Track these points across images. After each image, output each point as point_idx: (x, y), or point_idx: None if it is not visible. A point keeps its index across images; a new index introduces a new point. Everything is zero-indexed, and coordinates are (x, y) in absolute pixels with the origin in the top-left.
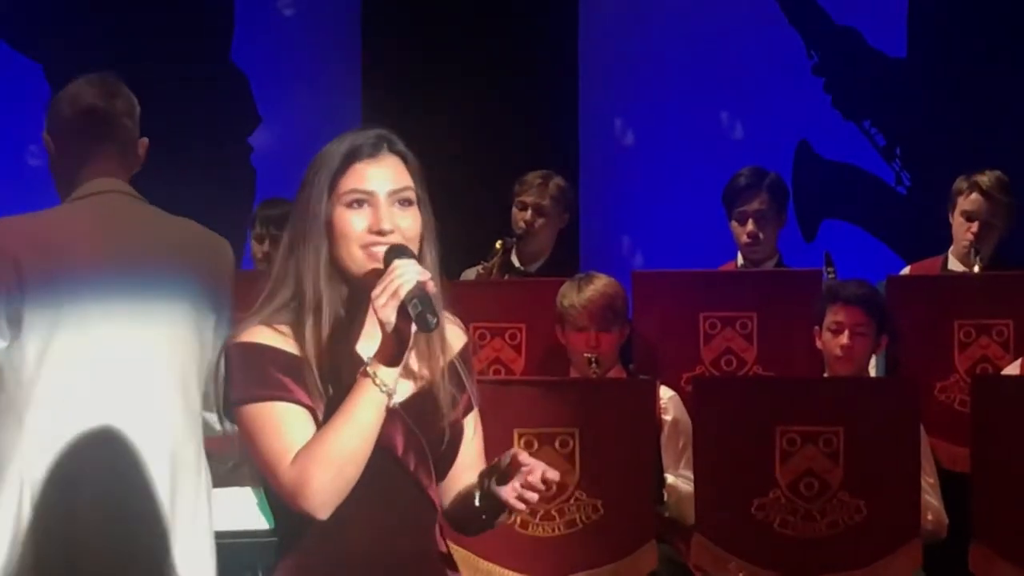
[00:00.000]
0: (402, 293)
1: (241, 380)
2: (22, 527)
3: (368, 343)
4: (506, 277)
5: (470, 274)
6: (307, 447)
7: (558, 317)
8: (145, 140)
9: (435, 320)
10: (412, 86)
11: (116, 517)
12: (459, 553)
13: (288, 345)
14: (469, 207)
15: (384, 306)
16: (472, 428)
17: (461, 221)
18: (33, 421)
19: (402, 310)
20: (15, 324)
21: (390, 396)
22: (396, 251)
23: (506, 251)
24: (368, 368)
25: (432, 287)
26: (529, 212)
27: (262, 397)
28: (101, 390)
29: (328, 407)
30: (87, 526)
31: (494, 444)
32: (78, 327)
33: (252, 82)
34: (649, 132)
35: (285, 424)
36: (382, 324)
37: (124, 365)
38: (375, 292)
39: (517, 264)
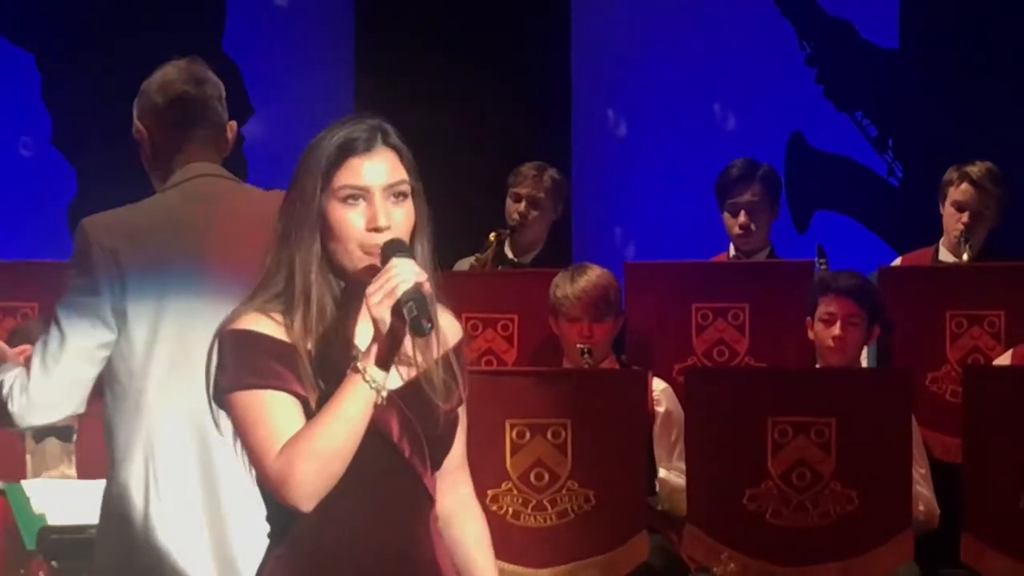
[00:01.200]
0: (398, 293)
1: (233, 367)
2: (150, 511)
3: (364, 336)
4: (499, 268)
5: (463, 265)
6: (293, 440)
7: (551, 308)
8: (234, 123)
9: (429, 326)
10: (405, 77)
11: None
12: None
13: (282, 333)
14: (462, 198)
15: (379, 304)
16: (460, 422)
17: (453, 212)
18: (148, 409)
19: (397, 310)
20: (120, 316)
21: (379, 393)
22: (393, 246)
23: (500, 243)
24: (359, 364)
25: (428, 288)
26: (523, 204)
27: (253, 385)
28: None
29: (321, 398)
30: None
31: (487, 434)
32: (179, 315)
33: (244, 72)
34: (642, 123)
35: (274, 414)
36: (376, 322)
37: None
38: (370, 289)
39: (510, 256)
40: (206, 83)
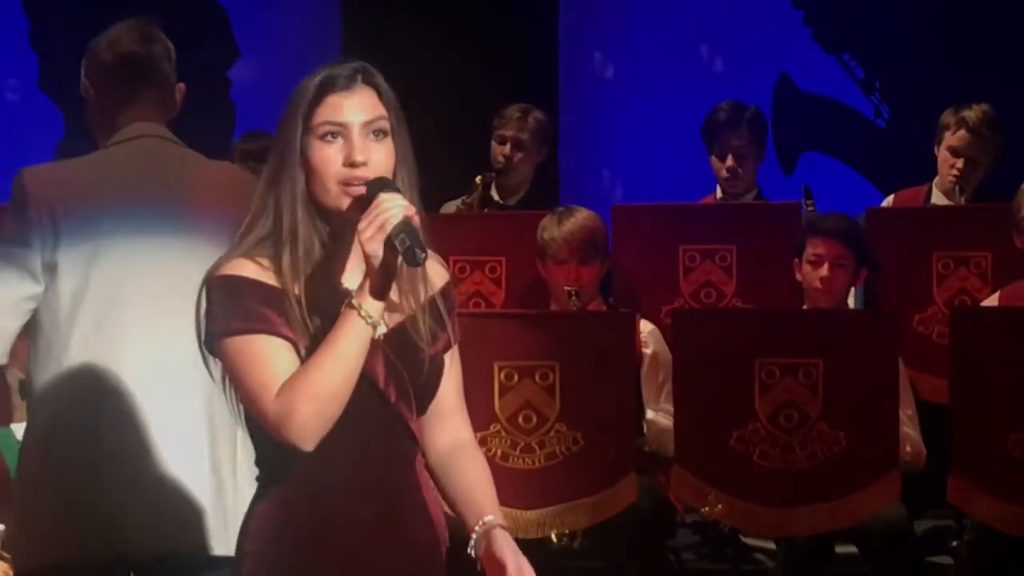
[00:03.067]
0: (388, 227)
1: (223, 313)
2: (48, 471)
3: (352, 276)
4: (485, 211)
5: (450, 208)
6: (292, 379)
7: (538, 250)
8: (182, 85)
9: (423, 254)
10: (391, 19)
11: (141, 459)
12: None
13: (269, 278)
14: (449, 140)
15: (371, 239)
16: (450, 365)
17: (441, 155)
18: (69, 362)
19: (389, 243)
20: (50, 269)
21: (375, 328)
22: (379, 183)
23: (485, 185)
24: (353, 300)
25: (418, 221)
26: (508, 146)
27: (245, 330)
28: (136, 326)
29: (312, 341)
30: (111, 473)
31: (475, 377)
32: (112, 265)
33: (231, 16)
34: (629, 65)
35: (269, 356)
36: (368, 257)
37: (160, 301)
38: (361, 225)
39: (496, 198)
40: (155, 43)
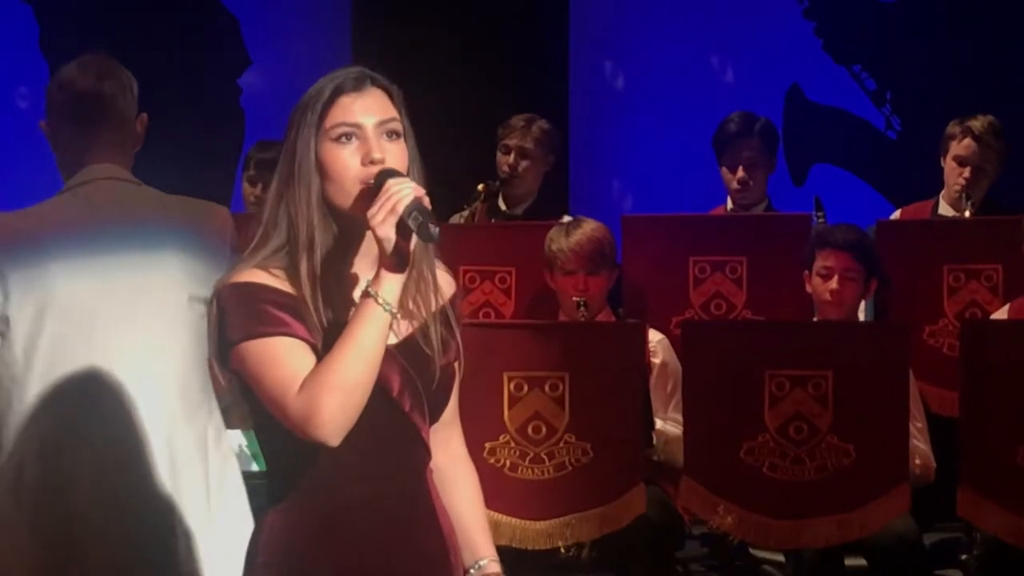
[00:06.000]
0: (400, 209)
1: (239, 319)
2: (21, 516)
3: (364, 274)
4: (492, 221)
5: (454, 220)
6: (314, 373)
7: (546, 261)
8: (144, 116)
9: (437, 229)
10: (402, 28)
11: (115, 503)
12: None
13: (283, 286)
14: (458, 150)
15: (382, 223)
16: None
17: (450, 164)
18: (29, 411)
19: (401, 226)
20: (2, 322)
21: (393, 316)
22: (387, 172)
23: (491, 195)
24: (369, 288)
25: (428, 202)
26: (512, 155)
27: (263, 333)
28: (94, 366)
29: (326, 343)
30: (85, 520)
31: (484, 387)
32: (62, 322)
33: (242, 24)
34: (639, 75)
35: (288, 356)
36: (381, 242)
37: (116, 344)
38: (371, 211)
39: (503, 207)
40: (107, 79)
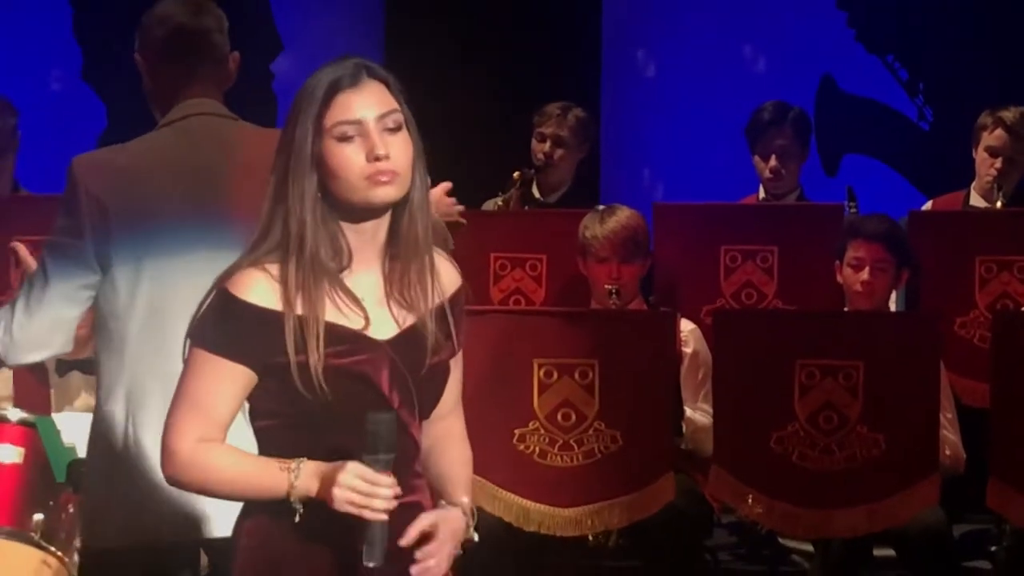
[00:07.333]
0: (366, 517)
1: (207, 323)
2: (127, 456)
3: (366, 279)
4: (526, 208)
5: (489, 206)
6: (207, 455)
7: (580, 248)
8: (236, 55)
9: (372, 564)
10: (434, 14)
11: None
12: (477, 483)
13: (272, 295)
14: (491, 138)
15: (342, 507)
16: (452, 371)
17: (483, 152)
18: (132, 351)
19: (358, 528)
20: (104, 259)
21: (292, 503)
22: (381, 425)
23: (525, 182)
24: (292, 475)
25: (386, 524)
26: (548, 143)
27: (212, 349)
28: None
29: (303, 363)
30: None
31: (514, 374)
32: (160, 265)
33: (274, 9)
34: (671, 64)
35: (215, 382)
36: (332, 501)
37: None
38: (338, 490)
39: (537, 195)
40: (206, 15)
